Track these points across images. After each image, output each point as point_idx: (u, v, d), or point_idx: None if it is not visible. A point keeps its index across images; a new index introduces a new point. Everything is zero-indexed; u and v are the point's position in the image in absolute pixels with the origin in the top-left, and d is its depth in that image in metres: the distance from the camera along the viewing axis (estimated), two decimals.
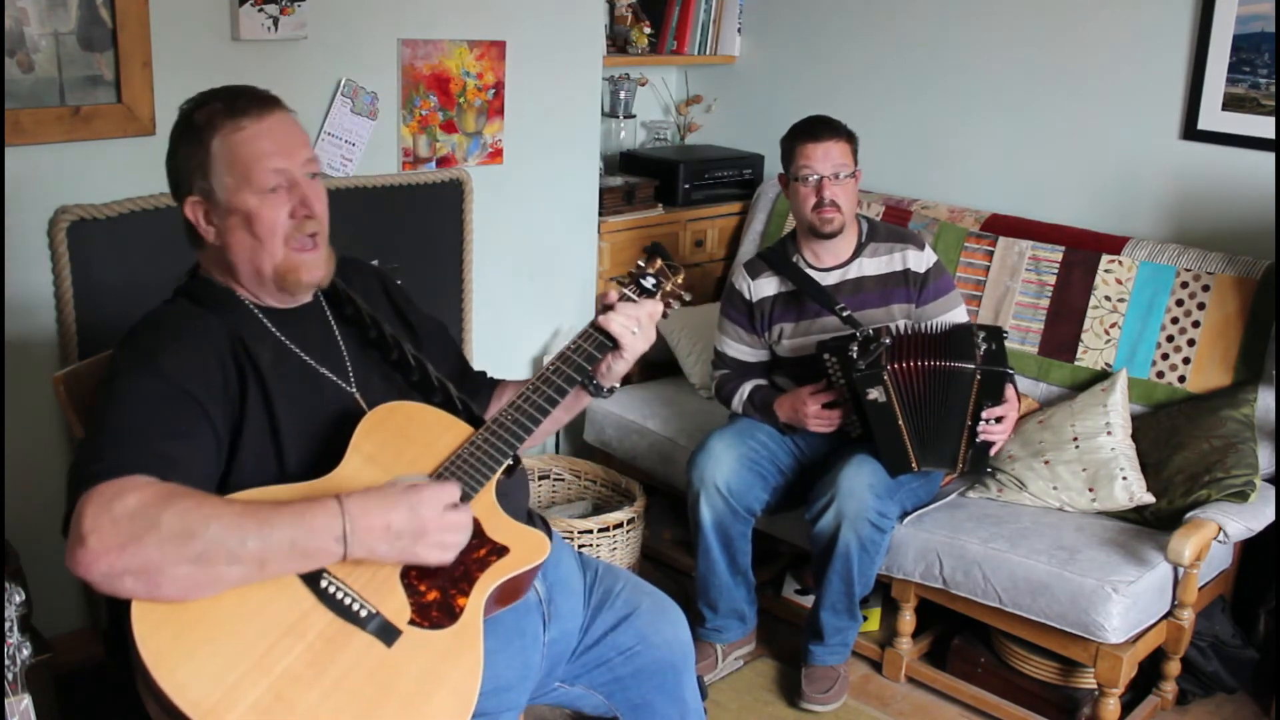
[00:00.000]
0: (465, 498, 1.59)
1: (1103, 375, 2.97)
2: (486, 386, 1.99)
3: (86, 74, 2.44)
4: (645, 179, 3.70)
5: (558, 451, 3.61)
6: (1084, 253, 3.06)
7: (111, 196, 2.51)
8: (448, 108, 3.07)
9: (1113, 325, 2.98)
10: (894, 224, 3.10)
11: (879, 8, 3.60)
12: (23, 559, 2.29)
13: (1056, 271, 3.08)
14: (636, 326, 1.76)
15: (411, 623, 1.49)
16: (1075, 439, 2.77)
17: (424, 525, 1.48)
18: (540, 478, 3.31)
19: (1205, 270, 2.88)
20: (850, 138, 2.75)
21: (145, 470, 1.43)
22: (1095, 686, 2.56)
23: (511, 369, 3.41)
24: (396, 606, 1.50)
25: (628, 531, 2.97)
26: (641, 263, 1.84)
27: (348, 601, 1.47)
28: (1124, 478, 2.67)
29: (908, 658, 2.84)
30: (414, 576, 1.53)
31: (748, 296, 2.84)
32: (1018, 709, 2.68)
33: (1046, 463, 2.76)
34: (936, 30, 3.47)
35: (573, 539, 2.88)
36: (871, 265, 2.79)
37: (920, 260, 2.78)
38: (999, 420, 2.56)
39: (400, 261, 3.01)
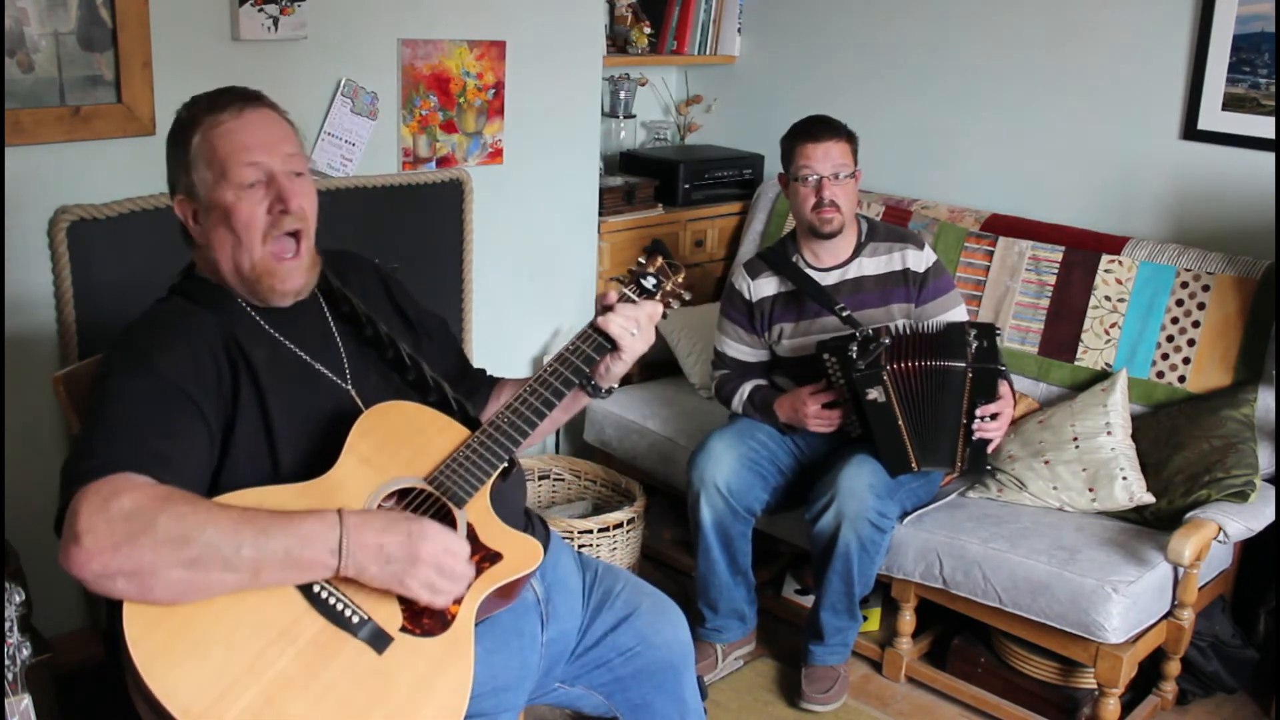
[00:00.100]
0: (459, 502, 1.59)
1: (1103, 375, 2.97)
2: (485, 385, 1.98)
3: (86, 74, 2.44)
4: (645, 179, 3.70)
5: (558, 451, 3.61)
6: (1084, 253, 3.06)
7: (111, 196, 2.51)
8: (448, 108, 3.07)
9: (1113, 325, 2.98)
10: (894, 224, 3.10)
11: (879, 8, 3.60)
12: (23, 559, 2.28)
13: (1056, 271, 3.08)
14: (636, 328, 1.74)
15: (403, 629, 1.49)
16: (1075, 439, 2.77)
17: (417, 555, 1.46)
18: (540, 478, 3.31)
19: (1205, 270, 2.88)
20: (850, 138, 2.75)
21: (138, 468, 1.42)
22: (1095, 686, 2.56)
23: (511, 369, 3.41)
24: (388, 613, 1.49)
25: (628, 531, 2.97)
26: (642, 260, 1.82)
27: (340, 607, 1.46)
28: (1124, 478, 2.67)
29: (908, 658, 2.84)
30: None
31: (747, 296, 2.84)
32: (1018, 709, 2.68)
33: (1046, 463, 2.76)
34: (937, 30, 3.47)
35: (573, 539, 2.88)
36: (871, 265, 2.79)
37: (920, 260, 2.78)
38: (994, 417, 2.56)
39: (400, 261, 3.00)
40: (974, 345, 2.51)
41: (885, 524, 2.59)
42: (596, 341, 1.74)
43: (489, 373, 2.03)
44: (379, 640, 1.47)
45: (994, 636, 2.76)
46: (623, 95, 3.87)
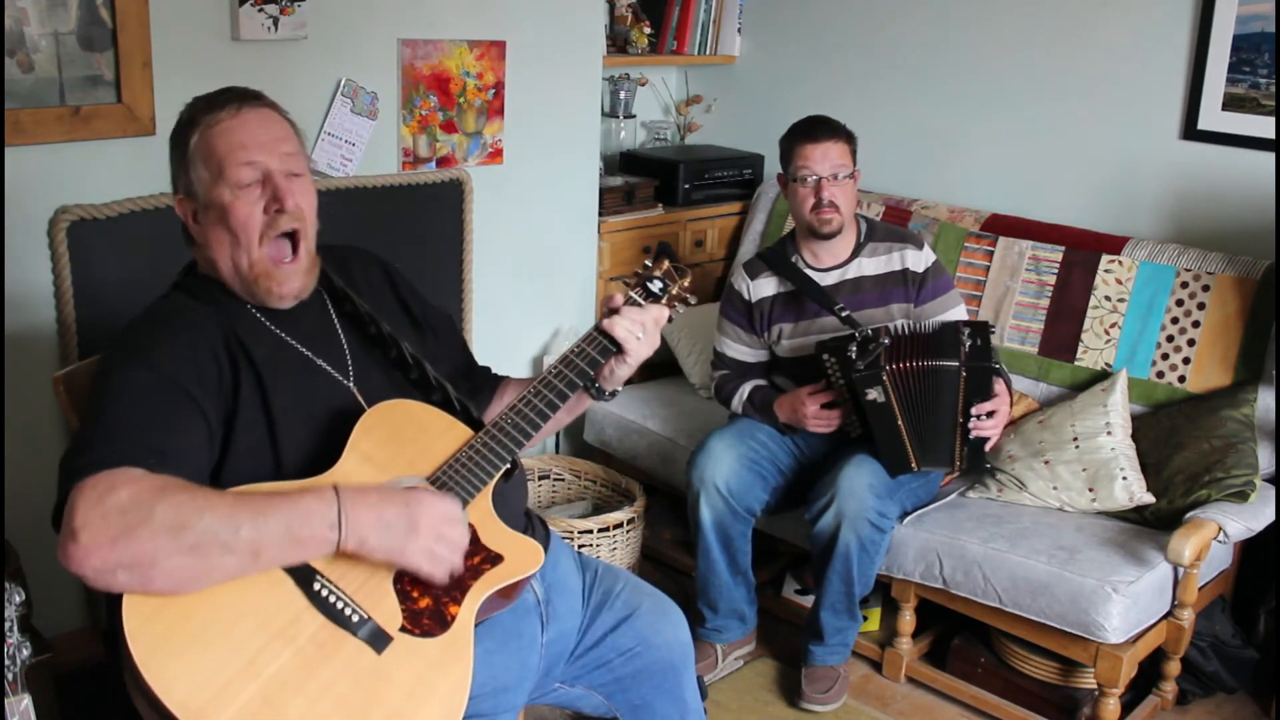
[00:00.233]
0: (461, 502, 1.58)
1: (1103, 375, 2.97)
2: (489, 384, 1.98)
3: (86, 74, 2.44)
4: (645, 179, 3.70)
5: (558, 451, 3.61)
6: (1084, 253, 3.06)
7: (111, 196, 2.51)
8: (448, 108, 3.07)
9: (1113, 325, 2.98)
10: (893, 224, 3.10)
11: (879, 8, 3.60)
12: (23, 559, 2.28)
13: (1056, 271, 3.08)
14: (641, 332, 1.74)
15: (403, 629, 1.49)
16: (1075, 439, 2.77)
17: (416, 523, 1.47)
18: (540, 478, 3.31)
19: (1205, 270, 2.88)
20: (849, 138, 2.75)
21: (136, 462, 1.42)
22: (1095, 686, 2.56)
23: (511, 369, 3.39)
24: (388, 613, 1.49)
25: (628, 531, 2.97)
26: (649, 264, 1.82)
27: (340, 605, 1.46)
28: (1124, 478, 2.67)
29: (908, 658, 2.84)
30: (407, 583, 1.52)
31: (747, 297, 2.84)
32: (1018, 709, 2.68)
33: (1046, 463, 2.76)
34: (937, 30, 3.47)
35: (573, 539, 2.88)
36: (870, 265, 2.79)
37: (919, 260, 2.78)
38: (990, 415, 2.56)
39: (400, 261, 2.96)
40: (968, 344, 2.50)
41: (885, 524, 2.59)
42: (601, 344, 1.74)
43: (491, 371, 2.03)
44: (378, 640, 1.46)
45: (994, 636, 2.76)
46: (623, 95, 3.87)
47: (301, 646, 1.42)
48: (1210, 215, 3.02)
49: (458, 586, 1.54)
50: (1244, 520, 2.52)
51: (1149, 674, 2.69)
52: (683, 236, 3.75)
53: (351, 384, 1.71)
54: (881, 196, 3.51)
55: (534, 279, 3.42)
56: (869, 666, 2.90)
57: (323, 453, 1.60)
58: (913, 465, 2.60)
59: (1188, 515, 2.54)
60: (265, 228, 1.61)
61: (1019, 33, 3.30)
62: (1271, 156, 2.88)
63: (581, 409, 1.89)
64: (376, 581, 1.50)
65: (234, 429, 1.56)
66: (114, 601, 1.38)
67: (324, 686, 1.41)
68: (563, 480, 3.32)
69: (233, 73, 2.59)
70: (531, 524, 1.82)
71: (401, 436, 1.63)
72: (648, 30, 3.81)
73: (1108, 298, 3.00)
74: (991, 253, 3.21)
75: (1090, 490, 2.71)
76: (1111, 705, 2.52)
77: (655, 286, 1.78)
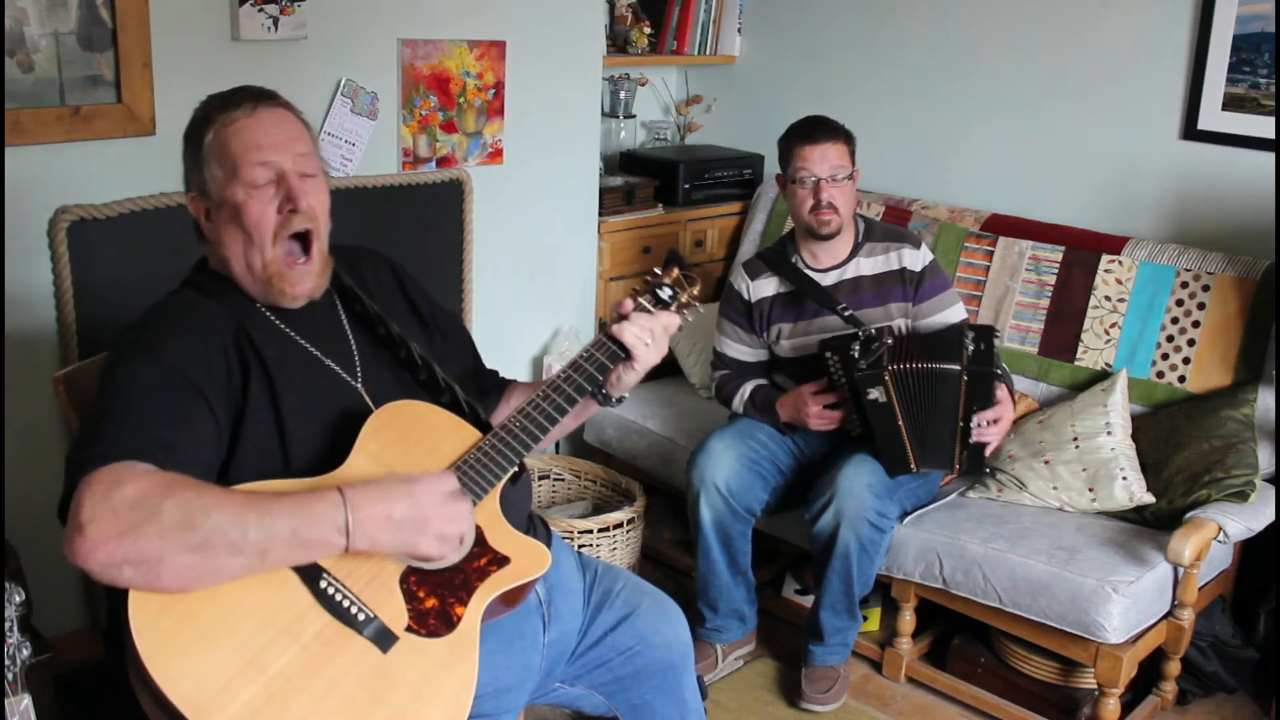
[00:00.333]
0: (472, 503, 1.59)
1: (1103, 375, 2.97)
2: (497, 387, 1.99)
3: (86, 74, 2.44)
4: (645, 179, 3.70)
5: (558, 451, 3.61)
6: (1084, 253, 3.06)
7: (111, 196, 2.51)
8: (448, 108, 3.07)
9: (1113, 325, 2.98)
10: (892, 224, 3.10)
11: (879, 8, 3.60)
12: (23, 559, 2.28)
13: (1056, 271, 3.08)
14: (650, 338, 1.74)
15: (408, 629, 1.49)
16: (1075, 439, 2.77)
17: (426, 515, 1.47)
18: (540, 478, 3.31)
19: (1205, 270, 2.88)
20: (848, 138, 2.75)
21: (143, 456, 1.42)
22: (1095, 686, 2.56)
23: (511, 369, 3.41)
24: (394, 612, 1.49)
25: (628, 531, 2.97)
26: (658, 270, 1.82)
27: (346, 604, 1.46)
28: (1124, 478, 2.67)
29: (908, 658, 2.84)
30: (413, 583, 1.52)
31: (746, 297, 2.84)
32: (1018, 709, 2.68)
33: (1046, 463, 2.76)
34: (937, 30, 3.47)
35: (573, 539, 2.88)
36: (868, 265, 2.79)
37: (916, 259, 2.78)
38: (992, 423, 2.56)
39: (400, 262, 3.00)
40: (970, 348, 2.50)
41: (884, 524, 2.59)
42: (610, 350, 1.74)
43: (499, 375, 2.03)
44: (384, 639, 1.46)
45: (994, 636, 2.76)
46: (623, 95, 3.87)
47: (307, 644, 1.42)
48: (1210, 215, 3.02)
49: (464, 587, 1.55)
50: (1244, 520, 2.53)
51: (1149, 674, 2.69)
52: (683, 236, 3.75)
53: (359, 384, 1.71)
54: (881, 196, 3.52)
55: (534, 279, 3.42)
56: (869, 666, 2.90)
57: (331, 452, 1.60)
58: (912, 466, 2.60)
59: (1188, 515, 2.54)
60: (278, 228, 1.62)
61: (1019, 33, 3.30)
62: (1271, 156, 2.88)
63: (588, 415, 1.89)
64: (383, 580, 1.50)
65: (242, 426, 1.56)
66: (119, 597, 1.39)
67: (329, 684, 1.41)
68: (563, 480, 3.32)
69: (233, 73, 2.59)
70: (533, 525, 1.82)
71: (409, 437, 1.63)
72: (648, 30, 3.81)
73: (1108, 298, 3.00)
74: (991, 253, 3.21)
75: (1090, 490, 2.71)
76: (1111, 705, 2.53)
77: (665, 293, 1.79)
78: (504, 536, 1.61)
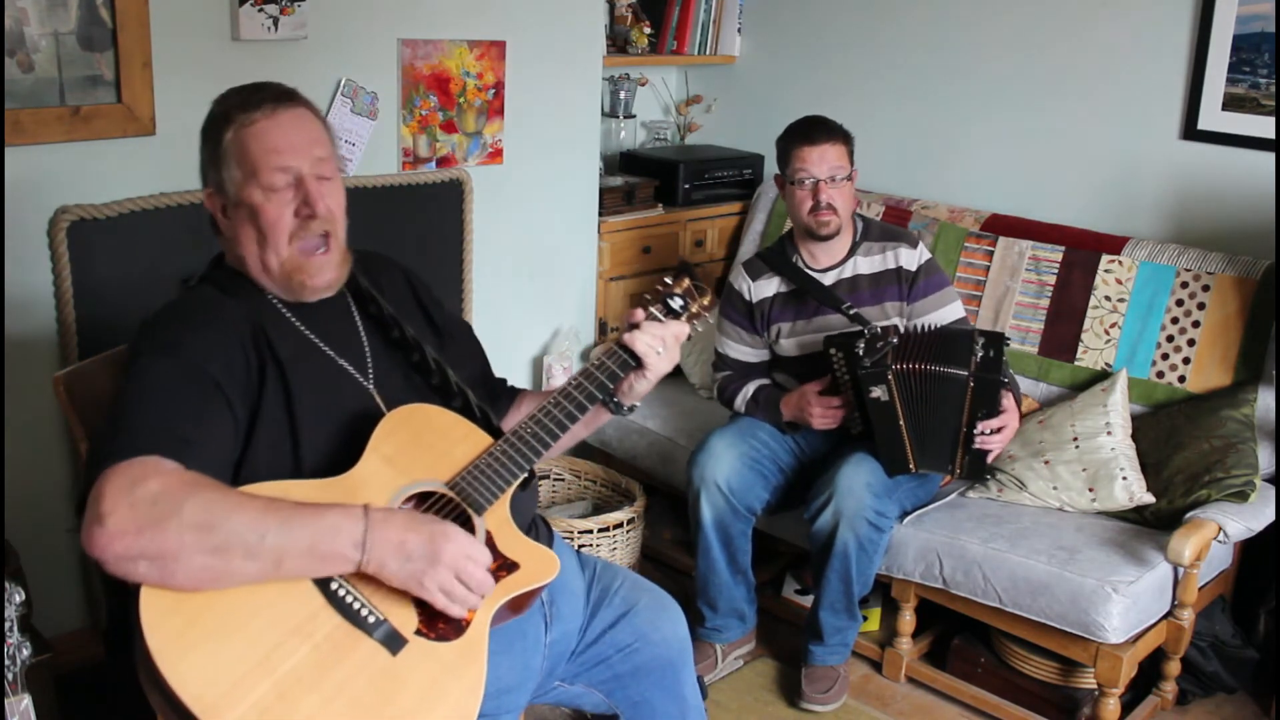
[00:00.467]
0: (479, 509, 1.60)
1: (1103, 375, 2.97)
2: (507, 395, 2.00)
3: (86, 74, 2.44)
4: (645, 179, 3.70)
5: None
6: (1084, 253, 3.06)
7: (111, 196, 2.51)
8: (448, 108, 3.07)
9: (1113, 325, 2.98)
10: (891, 223, 3.10)
11: (879, 8, 3.60)
12: (23, 559, 2.29)
13: (1056, 271, 3.08)
14: (662, 346, 1.76)
15: (418, 633, 1.49)
16: (1075, 439, 2.77)
17: (439, 555, 1.47)
18: (540, 478, 3.31)
19: (1205, 270, 2.88)
20: (846, 139, 2.75)
21: (165, 451, 1.43)
22: (1095, 686, 2.56)
23: (511, 369, 3.42)
24: (404, 615, 1.49)
25: (628, 531, 2.97)
26: (669, 280, 1.84)
27: (356, 606, 1.47)
28: (1124, 478, 2.67)
29: (908, 658, 2.84)
30: None
31: (747, 297, 2.84)
32: (1018, 709, 2.68)
33: (1046, 463, 2.76)
34: (937, 30, 3.47)
35: (573, 539, 2.88)
36: (866, 264, 2.79)
37: (912, 258, 2.78)
38: (996, 431, 2.56)
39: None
40: (979, 354, 2.50)
41: (883, 523, 2.59)
42: (622, 358, 1.75)
43: (509, 383, 2.04)
44: (393, 642, 1.47)
45: (994, 636, 2.76)
46: (623, 95, 3.87)
47: (317, 644, 1.42)
48: (1210, 215, 3.02)
49: None
50: (1244, 520, 2.52)
51: (1149, 674, 2.69)
52: (683, 236, 3.75)
53: (371, 386, 1.72)
54: (881, 196, 3.52)
55: (534, 279, 3.42)
56: (869, 666, 2.90)
57: (342, 453, 1.61)
58: (910, 466, 2.60)
59: (1188, 515, 2.54)
60: (296, 229, 1.63)
61: (1019, 33, 3.30)
62: (1271, 156, 2.88)
63: (599, 423, 1.90)
64: None
65: (257, 423, 1.58)
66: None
67: (338, 685, 1.41)
68: (563, 480, 3.32)
69: (233, 73, 2.59)
70: (534, 526, 1.82)
71: (421, 441, 1.64)
72: (648, 30, 3.81)
73: (1108, 298, 3.00)
74: (991, 253, 3.21)
75: (1090, 490, 2.71)
76: (1111, 705, 2.53)
77: (676, 303, 1.81)
78: (514, 542, 1.62)
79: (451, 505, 1.61)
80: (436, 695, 1.46)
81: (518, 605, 1.63)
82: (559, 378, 3.44)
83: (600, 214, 3.55)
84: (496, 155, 3.22)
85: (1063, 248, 3.09)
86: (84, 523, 1.38)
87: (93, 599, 2.68)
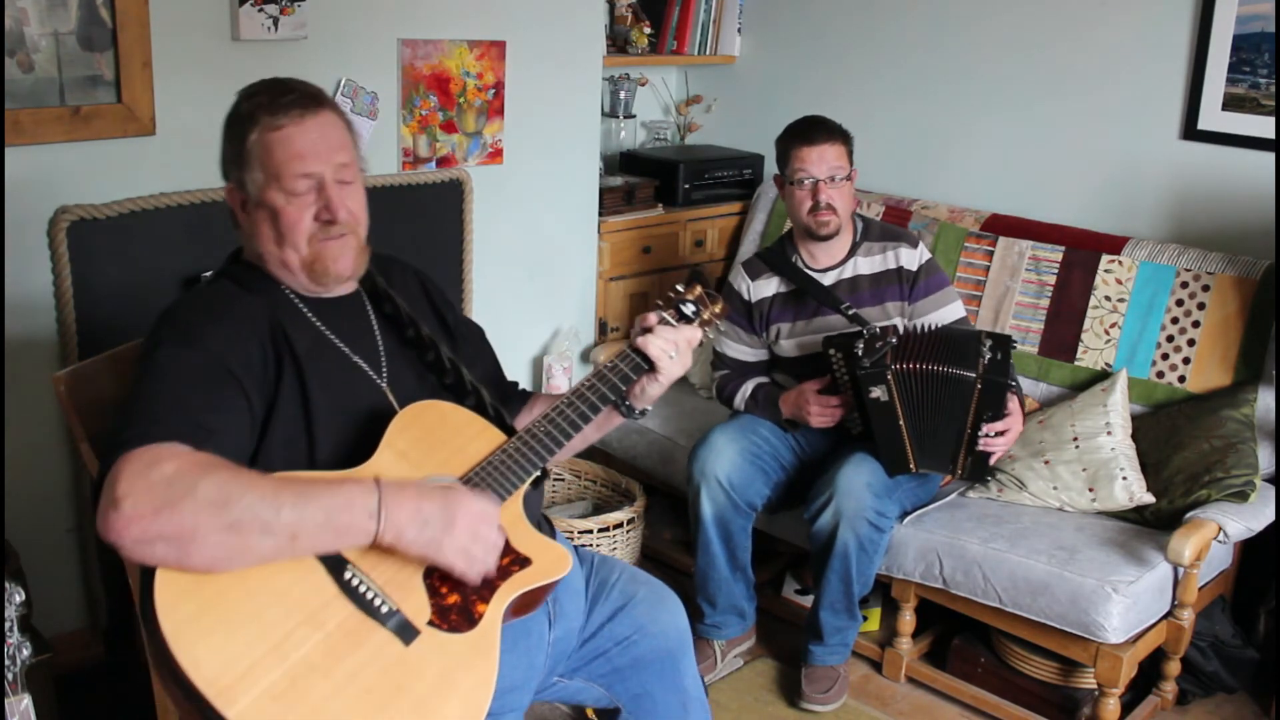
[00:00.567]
0: (499, 501, 1.61)
1: (1103, 375, 2.97)
2: (518, 397, 2.01)
3: (86, 74, 2.44)
4: (645, 179, 3.70)
5: None
6: (1084, 253, 3.06)
7: (111, 196, 2.51)
8: (448, 108, 3.07)
9: (1113, 325, 2.98)
10: (891, 223, 3.10)
11: (879, 8, 3.60)
12: (23, 559, 2.29)
13: (1056, 271, 3.09)
14: (674, 351, 1.78)
15: (430, 624, 1.50)
16: (1075, 439, 2.77)
17: (454, 519, 1.48)
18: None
19: (1205, 270, 2.88)
20: (846, 139, 2.75)
21: (181, 438, 1.44)
22: (1095, 686, 2.56)
23: (512, 369, 3.40)
24: (417, 606, 1.50)
25: (628, 531, 2.98)
26: (681, 287, 1.86)
27: (370, 596, 1.47)
28: (1124, 478, 2.67)
29: (908, 658, 2.84)
30: (436, 578, 1.53)
31: (747, 297, 2.85)
32: (1018, 709, 2.68)
33: (1046, 463, 2.76)
34: (937, 30, 3.47)
35: (573, 539, 2.88)
36: (866, 264, 2.79)
37: (912, 258, 2.78)
38: (1000, 433, 2.56)
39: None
40: (987, 357, 2.50)
41: (884, 523, 2.59)
42: (634, 362, 1.78)
43: (520, 385, 2.05)
44: (406, 632, 1.48)
45: (994, 636, 2.76)
46: (623, 95, 3.87)
47: (330, 633, 1.43)
48: (1210, 215, 3.02)
49: (486, 586, 1.56)
50: (1244, 520, 2.52)
51: (1149, 674, 2.69)
52: (683, 236, 3.75)
53: (384, 384, 1.73)
54: (881, 196, 3.52)
55: (534, 279, 3.42)
56: (869, 666, 2.90)
57: (356, 449, 1.62)
58: (910, 466, 2.60)
59: (1188, 515, 2.54)
60: (315, 232, 1.65)
61: (1019, 33, 3.30)
62: (1271, 156, 2.88)
63: (610, 427, 1.92)
64: (407, 575, 1.52)
65: (273, 418, 1.59)
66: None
67: (350, 674, 1.42)
68: (563, 480, 3.32)
69: (233, 73, 2.59)
70: (540, 525, 1.83)
71: (436, 437, 1.65)
72: (648, 30, 3.81)
73: (1108, 298, 3.00)
74: (991, 253, 3.21)
75: (1090, 490, 2.71)
76: (1111, 705, 2.53)
77: (688, 309, 1.83)
78: (527, 538, 1.63)
79: None
80: (448, 687, 1.47)
81: (527, 603, 1.63)
82: (559, 378, 3.44)
83: (600, 214, 3.55)
84: (496, 155, 3.22)
85: (1063, 248, 3.09)
86: (99, 508, 1.38)
87: (93, 599, 2.68)
